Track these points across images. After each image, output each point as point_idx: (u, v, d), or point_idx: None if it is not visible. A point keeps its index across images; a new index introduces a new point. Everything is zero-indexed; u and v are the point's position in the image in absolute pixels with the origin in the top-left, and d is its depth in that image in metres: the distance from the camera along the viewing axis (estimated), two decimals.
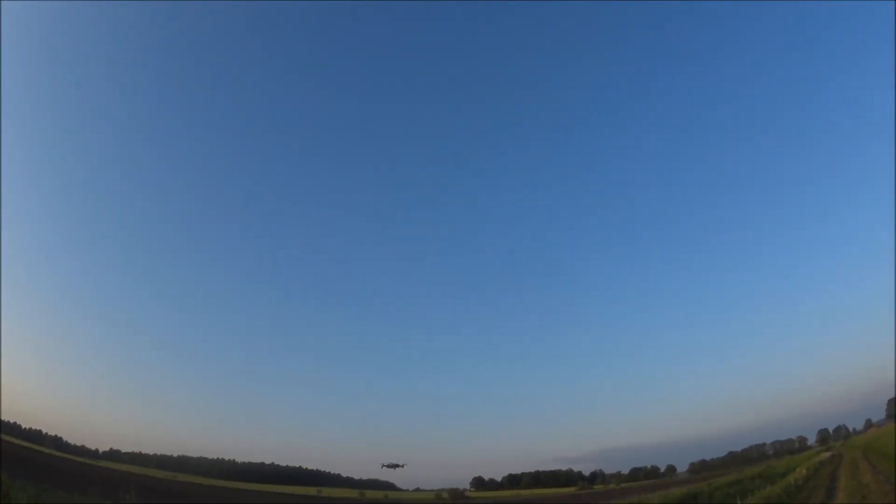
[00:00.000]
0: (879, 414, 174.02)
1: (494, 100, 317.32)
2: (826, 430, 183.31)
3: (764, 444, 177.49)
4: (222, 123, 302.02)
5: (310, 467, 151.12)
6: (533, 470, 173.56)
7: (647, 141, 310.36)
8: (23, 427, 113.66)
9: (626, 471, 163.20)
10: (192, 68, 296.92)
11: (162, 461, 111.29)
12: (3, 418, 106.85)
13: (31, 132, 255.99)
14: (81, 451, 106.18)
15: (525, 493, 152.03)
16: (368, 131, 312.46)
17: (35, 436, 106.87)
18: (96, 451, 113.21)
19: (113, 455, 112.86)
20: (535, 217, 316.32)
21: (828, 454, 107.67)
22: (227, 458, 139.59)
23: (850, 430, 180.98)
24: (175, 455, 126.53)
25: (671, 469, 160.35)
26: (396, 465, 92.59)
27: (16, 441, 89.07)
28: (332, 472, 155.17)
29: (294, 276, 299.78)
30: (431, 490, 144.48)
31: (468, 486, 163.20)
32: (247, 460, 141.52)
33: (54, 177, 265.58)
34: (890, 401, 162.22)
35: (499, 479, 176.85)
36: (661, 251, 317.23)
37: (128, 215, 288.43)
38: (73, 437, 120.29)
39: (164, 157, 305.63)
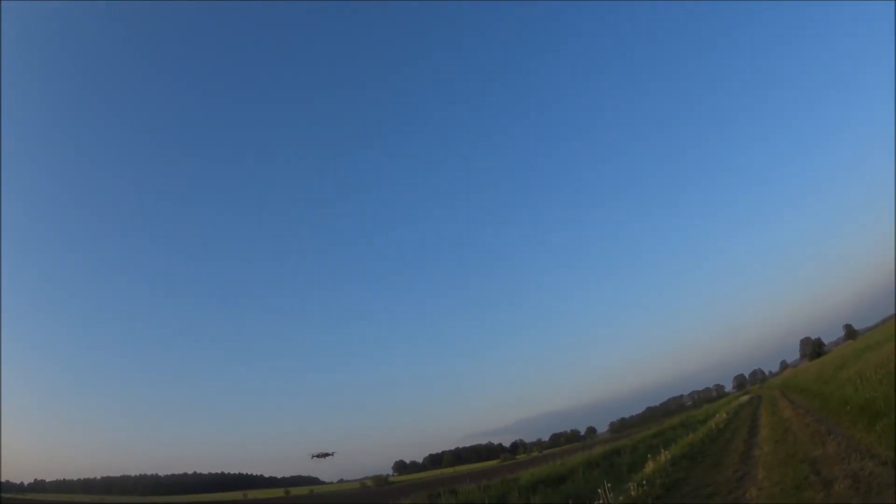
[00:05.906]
0: (794, 355, 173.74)
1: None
2: (742, 375, 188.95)
3: (681, 395, 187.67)
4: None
5: (232, 472, 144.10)
6: (453, 447, 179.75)
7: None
8: None
9: (546, 438, 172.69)
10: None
11: (86, 485, 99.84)
12: None
13: None
14: (7, 486, 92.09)
15: (448, 470, 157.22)
16: (276, 132, 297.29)
17: None
18: (21, 483, 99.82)
19: (38, 486, 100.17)
20: (431, 197, 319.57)
21: (746, 397, 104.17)
22: (149, 473, 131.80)
23: (767, 373, 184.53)
24: (98, 477, 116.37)
25: (591, 431, 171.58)
26: (326, 454, 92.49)
27: None
28: (255, 473, 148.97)
29: (189, 279, 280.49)
30: (356, 480, 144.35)
31: (391, 471, 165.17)
32: (169, 473, 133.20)
33: None
34: (803, 340, 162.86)
35: (420, 460, 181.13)
36: (561, 211, 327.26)
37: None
38: None
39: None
